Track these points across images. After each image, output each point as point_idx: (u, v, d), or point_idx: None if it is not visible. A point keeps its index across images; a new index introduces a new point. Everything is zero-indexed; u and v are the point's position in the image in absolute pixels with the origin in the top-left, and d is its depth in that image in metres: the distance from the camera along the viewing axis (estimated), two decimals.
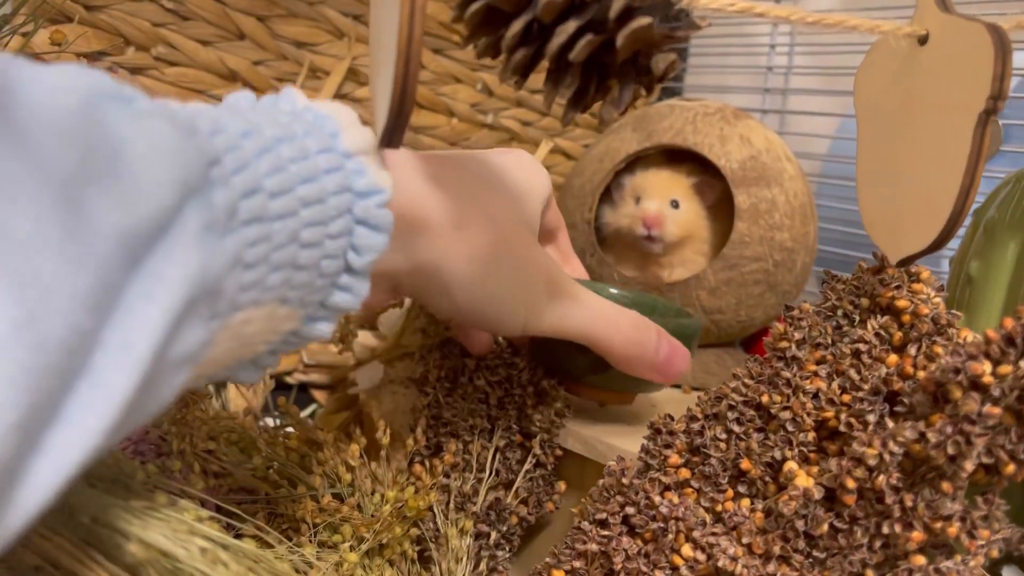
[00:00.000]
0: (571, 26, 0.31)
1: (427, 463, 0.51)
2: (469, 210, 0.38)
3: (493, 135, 0.88)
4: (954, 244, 0.51)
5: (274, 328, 0.31)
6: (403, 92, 0.30)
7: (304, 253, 0.30)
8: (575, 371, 0.54)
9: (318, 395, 0.81)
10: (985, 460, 0.32)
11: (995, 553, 0.34)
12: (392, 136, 0.32)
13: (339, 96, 0.78)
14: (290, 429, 0.51)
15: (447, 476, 0.50)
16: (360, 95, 0.79)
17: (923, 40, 0.36)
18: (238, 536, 0.40)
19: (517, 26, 0.32)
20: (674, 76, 1.07)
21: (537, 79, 0.34)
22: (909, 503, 0.34)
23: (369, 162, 0.32)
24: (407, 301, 0.61)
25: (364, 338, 0.76)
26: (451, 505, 0.49)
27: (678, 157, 0.69)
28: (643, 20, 0.30)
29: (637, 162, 0.70)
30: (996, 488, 0.34)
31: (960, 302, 0.48)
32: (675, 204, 0.67)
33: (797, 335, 0.40)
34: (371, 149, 0.32)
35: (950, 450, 0.32)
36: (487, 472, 0.51)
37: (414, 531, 0.47)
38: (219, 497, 0.48)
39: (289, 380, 0.79)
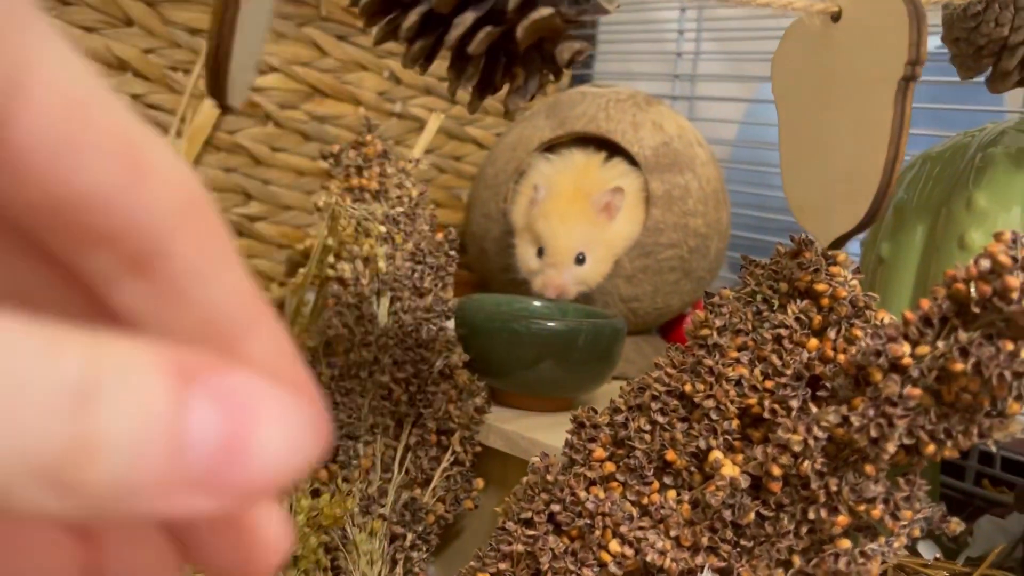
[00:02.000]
0: (468, 18, 0.29)
1: (329, 468, 0.49)
2: None
3: (402, 124, 0.86)
4: None
5: None
6: (216, 59, 0.28)
7: None
8: (505, 369, 0.53)
9: None
10: (906, 441, 0.32)
11: (917, 532, 0.35)
12: (218, 92, 0.30)
13: None
14: None
15: (346, 481, 0.48)
16: (261, 83, 0.76)
17: (836, 17, 0.36)
18: None
19: (412, 18, 0.30)
20: (583, 62, 1.06)
21: (446, 66, 0.32)
22: (834, 487, 0.34)
23: None
24: (289, 298, 0.58)
25: None
26: (357, 509, 0.47)
27: (591, 143, 0.69)
28: (544, 11, 0.29)
29: (549, 148, 0.69)
30: (916, 468, 0.34)
31: (872, 283, 0.49)
32: (580, 259, 0.63)
33: (718, 322, 0.39)
34: None
35: (873, 433, 0.32)
36: (395, 472, 0.49)
37: (324, 538, 0.45)
38: None
39: None
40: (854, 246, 0.80)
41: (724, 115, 0.98)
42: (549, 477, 0.39)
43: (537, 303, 0.61)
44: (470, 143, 0.92)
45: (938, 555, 0.50)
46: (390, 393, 0.50)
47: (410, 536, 0.48)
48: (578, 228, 0.62)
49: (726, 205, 0.72)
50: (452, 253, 0.56)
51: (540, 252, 0.63)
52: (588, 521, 0.38)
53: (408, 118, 0.86)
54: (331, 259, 0.55)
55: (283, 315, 0.76)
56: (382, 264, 0.54)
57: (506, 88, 0.33)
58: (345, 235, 0.53)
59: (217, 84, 0.28)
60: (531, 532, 0.38)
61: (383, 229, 0.54)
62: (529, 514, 0.39)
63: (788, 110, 0.39)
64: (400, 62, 0.83)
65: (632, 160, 0.68)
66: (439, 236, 0.57)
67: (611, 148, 0.68)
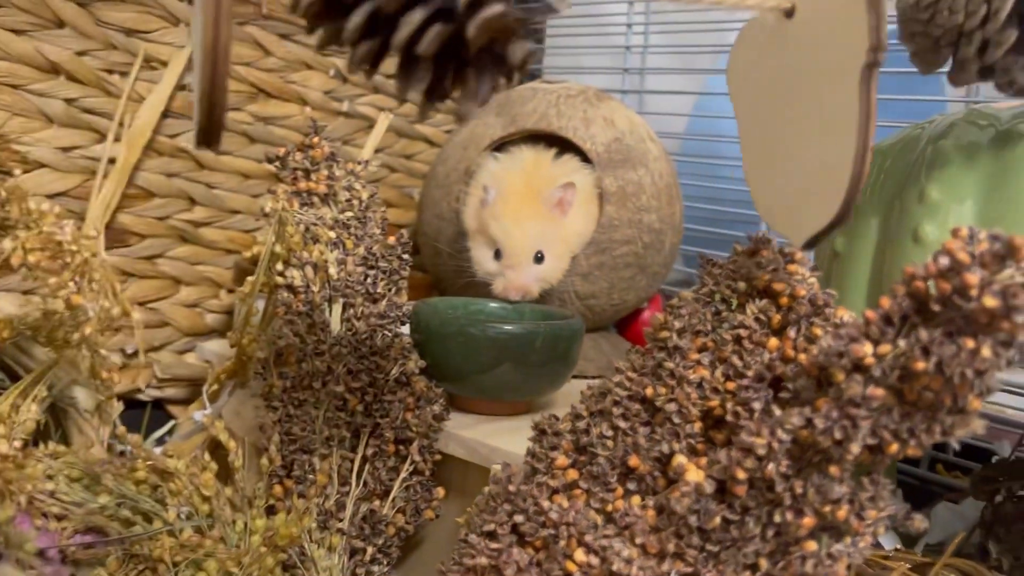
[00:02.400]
0: (417, 16, 0.28)
1: (284, 483, 0.48)
2: None
3: (349, 123, 0.84)
4: None
5: None
6: (212, 101, 0.27)
7: None
8: (463, 374, 0.52)
9: (176, 411, 0.75)
10: (870, 441, 0.32)
11: (882, 531, 0.35)
12: (207, 137, 0.28)
13: (180, 87, 0.72)
14: (138, 460, 0.46)
15: (300, 496, 0.47)
16: None
17: (790, 12, 0.35)
18: None
19: (357, 18, 0.29)
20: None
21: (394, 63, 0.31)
22: (799, 490, 0.33)
23: None
24: (238, 305, 0.57)
25: (219, 347, 0.71)
26: (314, 524, 0.46)
27: (543, 140, 0.68)
28: (495, 8, 0.28)
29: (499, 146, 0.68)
30: (879, 467, 0.34)
31: (828, 277, 0.49)
32: (539, 258, 0.62)
33: (677, 324, 0.39)
34: None
35: (837, 435, 0.32)
36: (353, 485, 0.48)
37: (281, 556, 0.44)
38: (63, 542, 0.43)
39: (142, 398, 0.73)
40: None
41: (673, 108, 0.98)
42: (511, 487, 0.38)
43: (493, 305, 0.60)
44: (421, 141, 0.91)
45: (898, 545, 0.51)
46: (345, 403, 0.49)
47: (370, 550, 0.47)
48: (534, 226, 0.61)
49: (679, 199, 0.72)
50: (405, 256, 0.55)
51: (497, 254, 0.62)
52: (552, 531, 0.37)
53: (356, 117, 0.85)
54: (280, 266, 0.53)
55: (233, 324, 0.74)
56: (333, 270, 0.52)
57: (457, 92, 0.32)
58: (293, 242, 0.51)
59: (212, 126, 0.26)
60: (494, 545, 0.37)
61: (332, 235, 0.53)
62: (492, 526, 0.38)
63: (747, 115, 0.38)
64: (347, 64, 0.81)
65: (584, 156, 0.67)
66: (391, 239, 0.55)
67: (563, 145, 0.67)
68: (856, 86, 0.32)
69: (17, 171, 0.48)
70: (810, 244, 0.36)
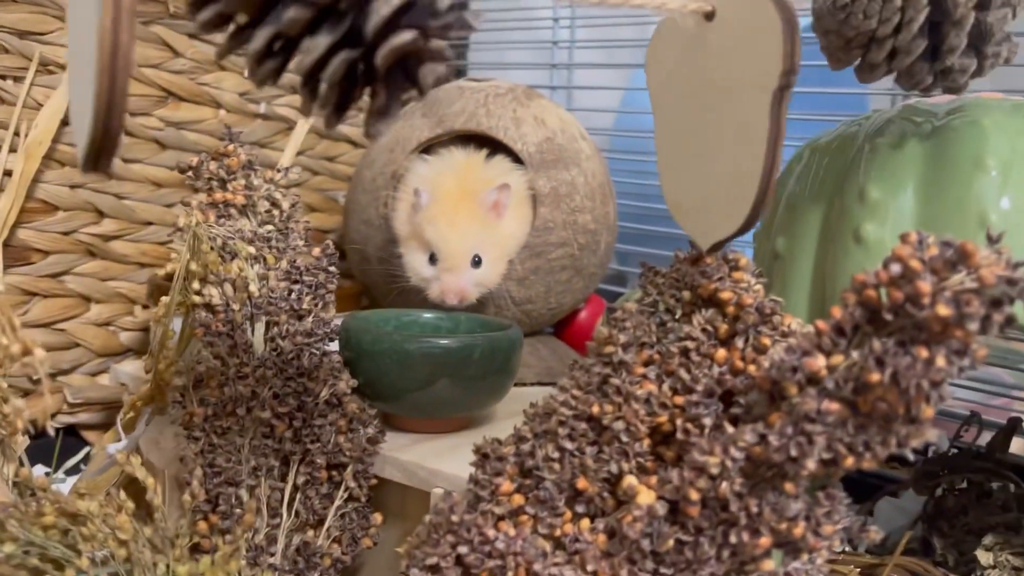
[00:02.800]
0: (322, 43, 0.26)
1: (209, 519, 0.45)
2: None
3: (267, 126, 0.81)
4: None
5: None
6: (108, 113, 0.24)
7: None
8: (398, 393, 0.49)
9: (90, 436, 0.71)
10: (825, 456, 0.31)
11: (837, 544, 0.34)
12: (97, 160, 0.25)
13: None
14: (45, 502, 0.42)
15: (227, 532, 0.44)
16: None
17: (710, 16, 0.34)
18: None
19: (258, 42, 0.26)
20: (457, 53, 1.03)
21: None
22: (754, 508, 0.32)
23: None
24: (154, 326, 0.53)
25: (135, 368, 0.67)
26: (244, 562, 0.43)
27: (471, 140, 0.66)
28: (405, 35, 0.26)
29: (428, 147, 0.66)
30: (834, 480, 0.33)
31: (769, 279, 0.48)
32: (476, 261, 0.60)
33: (623, 338, 0.37)
34: None
35: (793, 451, 0.31)
36: (284, 516, 0.45)
37: None
38: None
39: (53, 425, 0.69)
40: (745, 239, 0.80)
41: (600, 104, 0.97)
42: (454, 517, 0.36)
43: (427, 315, 0.58)
44: (344, 142, 0.88)
45: (846, 547, 0.50)
46: (272, 430, 0.46)
47: None
48: (470, 229, 0.59)
49: (613, 198, 0.71)
50: (332, 269, 0.52)
51: (432, 258, 0.60)
52: (499, 562, 0.35)
53: (274, 119, 0.81)
54: (196, 284, 0.50)
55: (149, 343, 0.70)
56: (253, 287, 0.49)
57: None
58: (210, 259, 0.48)
59: (106, 147, 0.23)
60: None
61: (252, 249, 0.50)
62: (435, 559, 0.36)
63: (663, 109, 0.37)
64: (247, 76, 0.78)
65: (515, 157, 0.65)
66: (316, 251, 0.53)
67: (492, 145, 0.65)
68: (767, 105, 0.32)
69: None
70: (715, 248, 0.36)
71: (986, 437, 0.56)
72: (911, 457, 0.31)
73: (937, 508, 0.53)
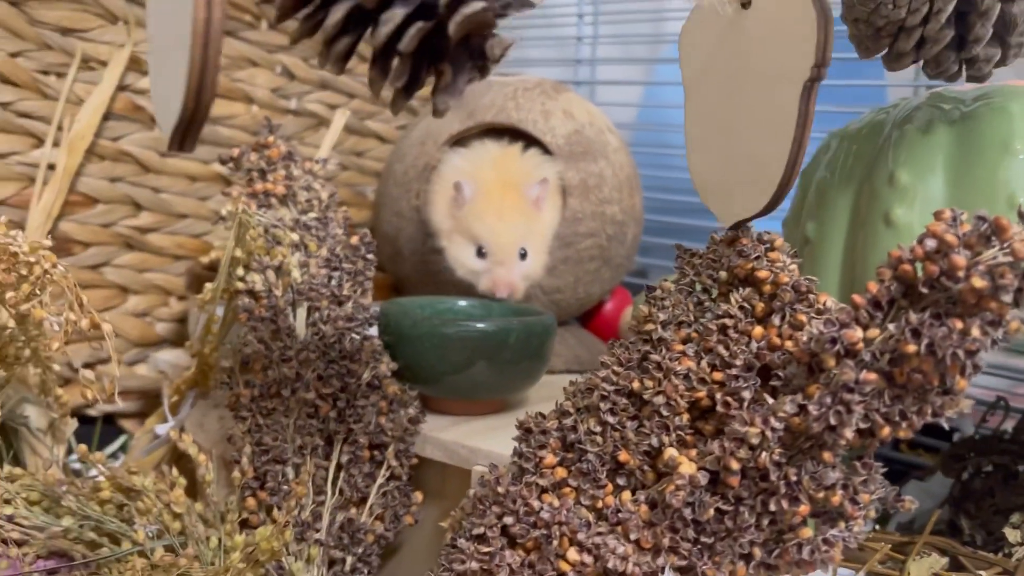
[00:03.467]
0: (398, 14, 0.27)
1: (258, 495, 0.46)
2: None
3: (298, 121, 0.82)
4: (785, 205, 0.52)
5: None
6: (200, 86, 0.25)
7: None
8: (436, 375, 0.51)
9: (128, 425, 0.72)
10: (862, 426, 0.32)
11: (872, 514, 0.35)
12: (184, 138, 0.27)
13: (122, 88, 0.69)
14: (100, 478, 0.44)
15: (277, 509, 0.45)
16: (145, 86, 0.71)
17: (746, 4, 0.35)
18: None
19: (337, 14, 0.28)
20: None
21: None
22: (793, 477, 0.33)
23: None
24: (194, 313, 0.54)
25: (173, 356, 0.69)
26: (291, 537, 0.45)
27: (500, 133, 0.67)
28: (476, 5, 0.27)
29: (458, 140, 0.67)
30: (870, 451, 0.34)
31: (801, 263, 0.49)
32: (523, 254, 0.62)
33: (662, 316, 0.38)
34: None
35: (831, 420, 0.32)
36: (329, 493, 0.47)
37: (260, 571, 0.43)
38: (27, 569, 0.41)
39: (91, 413, 0.70)
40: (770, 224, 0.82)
41: (623, 99, 0.98)
42: (500, 488, 0.38)
43: (462, 303, 0.59)
44: (372, 138, 0.89)
45: (876, 526, 0.52)
46: (316, 410, 0.47)
47: (349, 559, 0.46)
48: (517, 223, 0.61)
49: (639, 190, 0.72)
50: (369, 257, 0.54)
51: (480, 252, 0.61)
52: (544, 531, 0.36)
53: (304, 115, 0.83)
54: (240, 271, 0.51)
55: (187, 331, 0.72)
56: (296, 273, 0.51)
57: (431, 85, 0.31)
58: (256, 246, 0.49)
59: (195, 124, 0.25)
60: (485, 548, 0.37)
61: (295, 236, 0.51)
62: (481, 529, 0.37)
63: (695, 90, 0.39)
64: (300, 57, 0.79)
65: (543, 149, 0.66)
66: (354, 239, 0.54)
67: (519, 138, 0.66)
68: (797, 94, 0.33)
69: None
70: (737, 226, 0.38)
71: (1011, 423, 0.57)
72: (946, 426, 0.32)
73: (964, 490, 0.54)
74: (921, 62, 0.46)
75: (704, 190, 0.39)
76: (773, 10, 0.35)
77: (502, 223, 0.60)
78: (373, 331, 0.53)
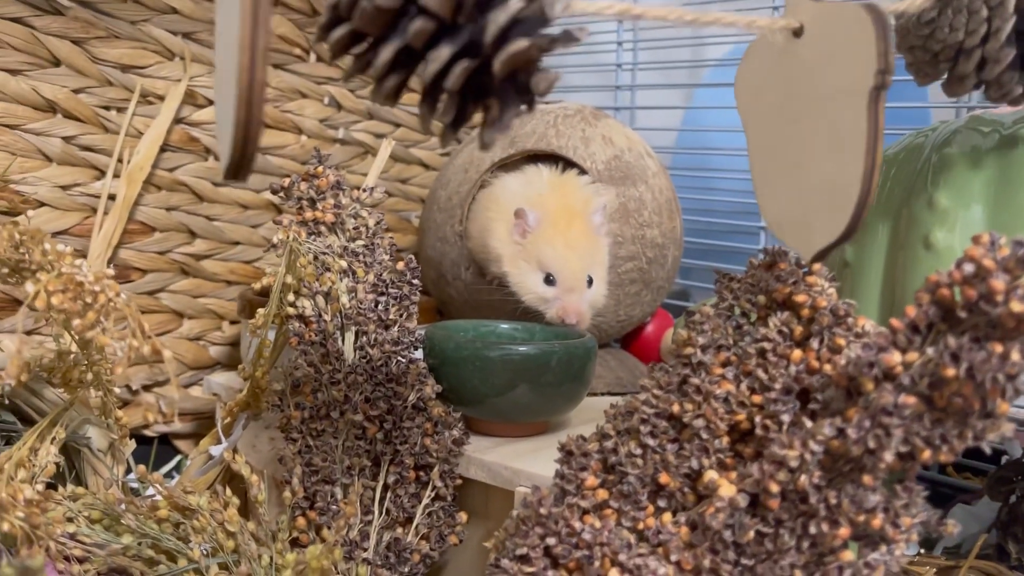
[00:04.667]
0: (445, 53, 0.28)
1: (308, 515, 0.47)
2: None
3: (345, 150, 0.84)
4: None
5: None
6: (246, 136, 0.27)
7: None
8: (479, 397, 0.51)
9: (182, 446, 0.74)
10: (902, 449, 0.32)
11: (915, 538, 0.35)
12: (236, 173, 0.28)
13: (178, 120, 0.72)
14: (158, 497, 0.46)
15: (327, 528, 0.46)
16: (199, 118, 0.73)
17: (798, 32, 0.36)
18: None
19: (386, 54, 0.29)
20: None
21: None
22: (833, 500, 0.33)
23: None
24: (246, 337, 0.55)
25: (227, 379, 0.71)
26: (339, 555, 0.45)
27: (540, 160, 0.68)
28: (521, 43, 0.28)
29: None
30: (911, 474, 0.34)
31: (840, 288, 0.49)
32: (590, 281, 0.62)
33: (701, 340, 0.39)
34: None
35: (870, 443, 0.32)
36: (376, 513, 0.48)
37: None
38: None
39: (148, 433, 0.72)
40: None
41: (663, 123, 0.99)
42: (542, 510, 0.38)
43: (505, 325, 0.60)
44: (416, 165, 0.91)
45: (921, 550, 0.51)
46: (364, 432, 0.48)
47: None
48: (585, 250, 0.60)
49: (679, 213, 0.72)
50: (415, 282, 0.55)
51: (548, 279, 0.61)
52: (586, 552, 0.37)
53: (352, 144, 0.85)
54: (291, 296, 0.53)
55: (240, 354, 0.74)
56: (344, 299, 0.52)
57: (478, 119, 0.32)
58: (307, 272, 0.51)
59: (244, 159, 0.26)
60: (528, 569, 0.37)
61: (344, 263, 0.52)
62: (524, 550, 0.38)
63: (756, 126, 0.39)
64: (346, 87, 0.81)
65: (580, 172, 0.67)
66: (400, 265, 0.55)
67: (558, 163, 0.67)
68: (864, 106, 0.33)
69: (30, 212, 0.48)
70: (819, 257, 0.37)
71: None
72: (987, 450, 0.32)
73: (1012, 514, 0.53)
74: (983, 86, 0.45)
75: (779, 227, 0.38)
76: (827, 31, 0.35)
77: (571, 251, 0.60)
78: (418, 354, 0.54)
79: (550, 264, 0.60)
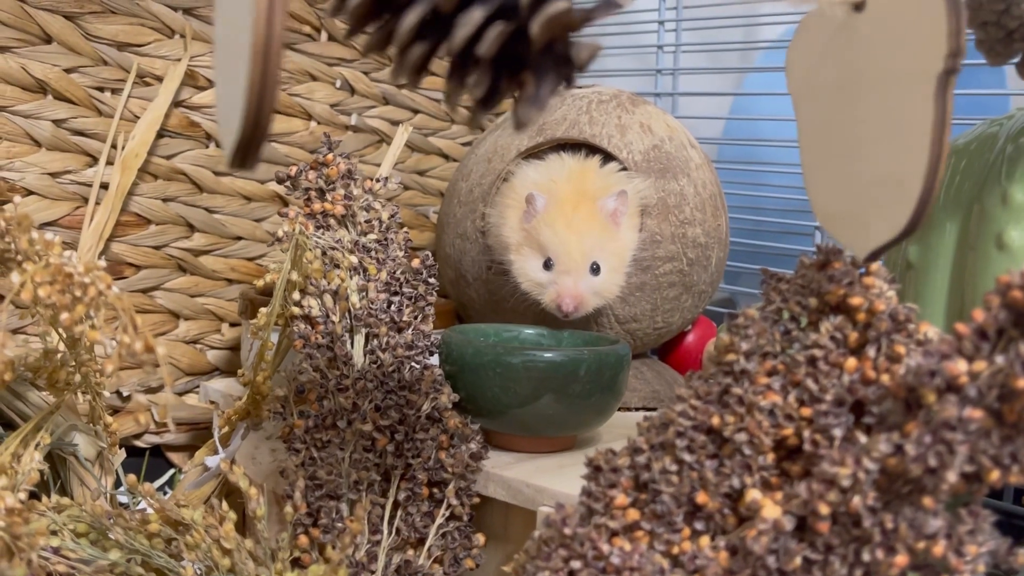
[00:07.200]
0: (477, 15, 0.29)
1: (311, 533, 0.48)
2: None
3: (358, 138, 0.85)
4: None
5: None
6: (260, 102, 0.27)
7: None
8: (501, 408, 0.52)
9: (176, 458, 0.75)
10: (967, 468, 0.32)
11: (981, 568, 0.34)
12: (246, 154, 0.28)
13: (177, 104, 0.73)
14: (149, 511, 0.46)
15: (331, 547, 0.47)
16: (199, 101, 0.74)
17: (859, 6, 0.36)
18: None
19: (412, 18, 0.29)
20: None
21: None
22: (890, 524, 0.33)
23: None
24: (247, 339, 0.56)
25: (225, 386, 0.71)
26: None
27: (573, 149, 0.68)
28: (559, 5, 0.28)
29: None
30: (978, 497, 0.34)
31: (902, 291, 0.49)
32: (595, 269, 0.62)
33: (745, 346, 0.39)
34: None
35: (931, 461, 0.32)
36: (385, 533, 0.48)
37: None
38: None
39: (139, 444, 0.73)
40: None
41: (708, 111, 0.99)
42: (567, 530, 0.38)
43: (529, 331, 0.60)
44: (436, 155, 0.92)
45: None
46: (373, 443, 0.49)
47: None
48: (589, 234, 0.61)
49: (724, 211, 0.72)
50: (431, 281, 0.55)
51: (547, 264, 0.61)
52: None
53: (365, 131, 0.86)
54: (296, 295, 0.53)
55: (240, 359, 0.75)
56: (354, 298, 0.53)
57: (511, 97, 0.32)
58: (313, 269, 0.52)
59: (255, 138, 0.27)
60: None
61: (354, 259, 0.53)
62: (547, 574, 0.38)
63: (807, 109, 0.39)
64: (364, 72, 0.81)
65: (624, 166, 0.67)
66: (415, 262, 0.56)
67: (595, 153, 0.68)
68: (931, 92, 0.33)
69: (16, 198, 0.49)
70: (874, 256, 0.37)
71: None
72: None
73: None
74: None
75: (830, 221, 0.38)
76: (892, 3, 0.35)
77: (571, 232, 0.60)
78: (434, 360, 0.54)
79: (549, 247, 0.61)
